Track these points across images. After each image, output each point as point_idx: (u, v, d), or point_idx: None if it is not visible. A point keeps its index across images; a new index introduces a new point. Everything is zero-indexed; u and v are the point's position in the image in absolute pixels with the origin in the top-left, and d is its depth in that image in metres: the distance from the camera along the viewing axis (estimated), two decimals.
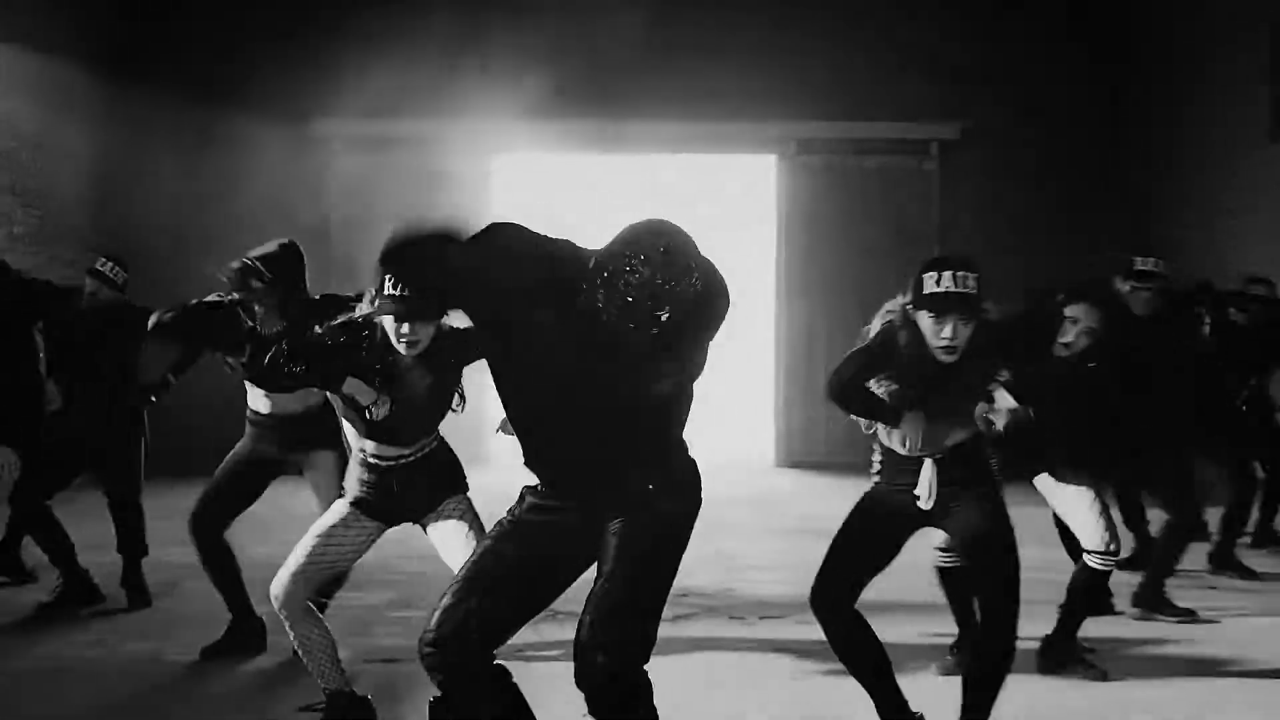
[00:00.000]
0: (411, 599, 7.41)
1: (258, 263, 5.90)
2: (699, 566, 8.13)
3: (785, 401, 14.58)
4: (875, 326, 5.11)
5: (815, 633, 5.04)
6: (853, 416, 5.19)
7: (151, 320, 6.15)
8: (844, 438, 13.55)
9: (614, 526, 3.79)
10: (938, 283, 4.83)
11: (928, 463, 4.97)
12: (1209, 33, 13.12)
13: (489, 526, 3.99)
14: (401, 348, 4.94)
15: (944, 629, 6.40)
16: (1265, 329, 8.78)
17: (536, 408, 3.82)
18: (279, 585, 4.96)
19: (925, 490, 4.97)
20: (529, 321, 3.65)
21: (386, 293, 4.84)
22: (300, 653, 5.08)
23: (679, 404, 3.83)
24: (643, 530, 3.77)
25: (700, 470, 3.88)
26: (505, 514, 3.94)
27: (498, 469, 9.87)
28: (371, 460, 5.10)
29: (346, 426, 5.20)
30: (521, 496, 3.93)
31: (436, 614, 3.78)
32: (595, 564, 3.86)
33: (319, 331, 5.12)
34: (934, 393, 4.91)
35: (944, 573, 6.10)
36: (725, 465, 13.77)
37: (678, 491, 3.86)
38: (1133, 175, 14.50)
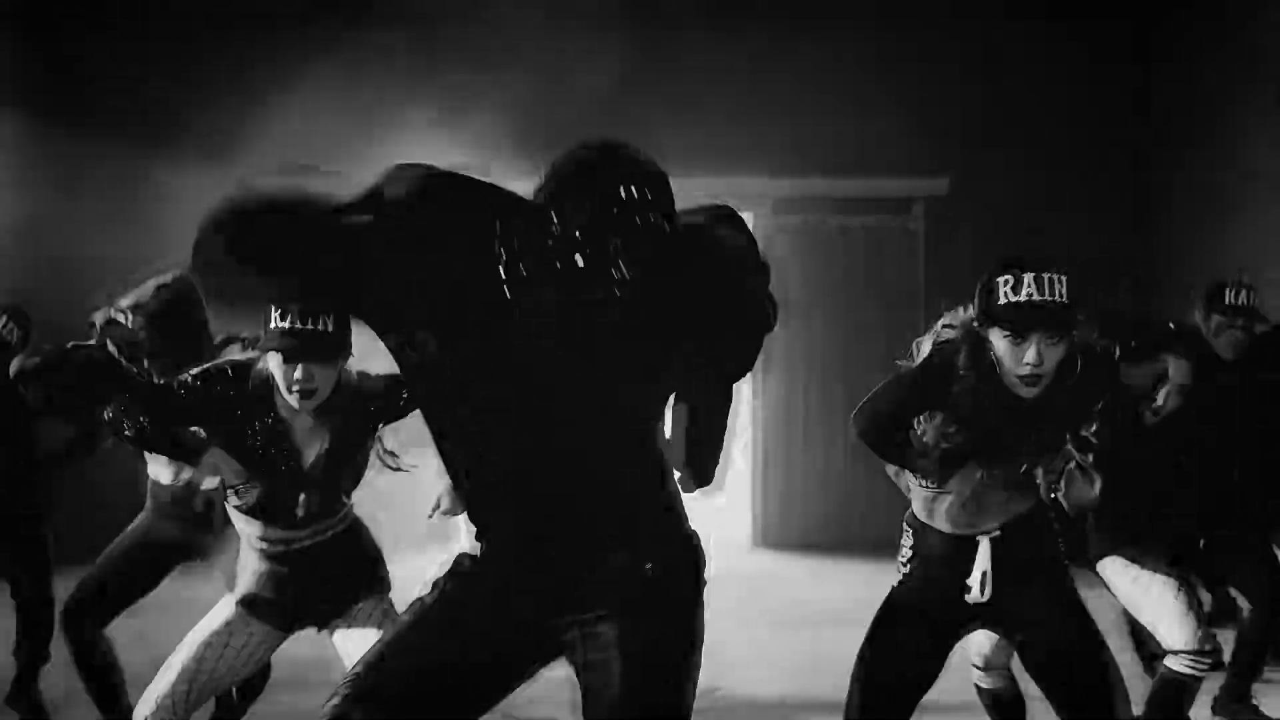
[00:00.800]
0: None
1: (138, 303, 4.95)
2: None
3: (762, 480, 13.79)
4: (925, 348, 4.12)
5: None
6: (888, 469, 4.26)
7: (14, 366, 5.17)
8: (822, 518, 12.93)
9: (600, 632, 2.84)
10: (1017, 289, 3.82)
11: (984, 541, 3.97)
12: (1205, 84, 12.65)
13: None
14: (293, 400, 3.98)
15: None
16: None
17: (478, 433, 2.83)
18: (145, 706, 3.96)
19: (979, 580, 3.98)
20: (458, 314, 2.69)
21: (273, 325, 3.89)
22: None
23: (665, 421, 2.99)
24: (644, 642, 2.83)
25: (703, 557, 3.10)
26: (428, 589, 2.97)
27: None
28: (259, 546, 4.13)
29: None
30: (455, 565, 2.95)
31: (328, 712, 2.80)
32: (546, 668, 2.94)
33: (178, 380, 4.13)
34: (1005, 440, 3.92)
35: (988, 694, 5.09)
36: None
37: (680, 570, 3.00)
38: (1141, 230, 13.99)
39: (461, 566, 2.92)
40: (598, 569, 2.83)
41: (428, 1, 13.75)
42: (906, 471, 4.25)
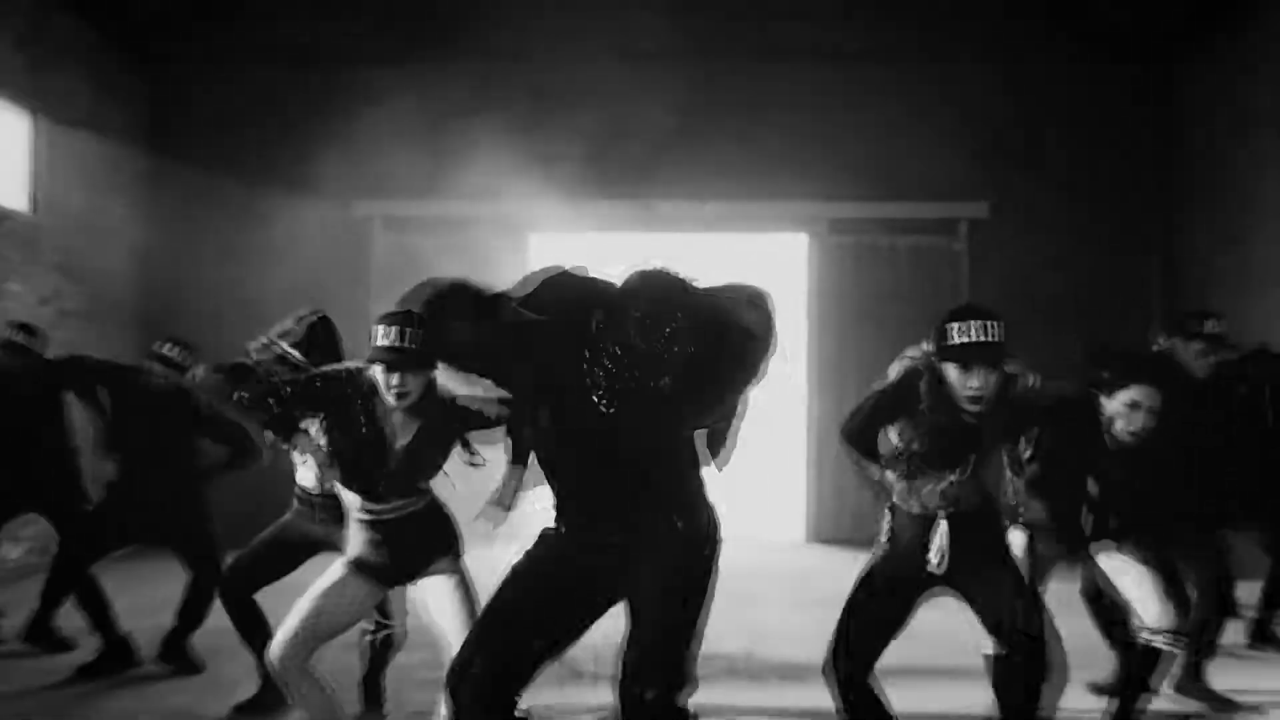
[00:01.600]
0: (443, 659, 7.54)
1: (287, 347, 6.02)
2: (727, 633, 8.26)
3: (816, 479, 14.60)
4: (894, 372, 5.16)
5: (822, 695, 5.19)
6: (869, 473, 5.28)
7: (198, 375, 6.26)
8: (871, 514, 13.67)
9: (643, 570, 3.94)
10: (962, 332, 4.89)
11: (942, 523, 5.00)
12: (1226, 117, 13.24)
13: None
14: (390, 398, 4.96)
15: (959, 698, 6.47)
16: None
17: (570, 453, 4.00)
18: (276, 648, 5.04)
19: (936, 554, 5.00)
20: (562, 402, 3.87)
21: (379, 342, 4.90)
22: (301, 712, 5.19)
23: (694, 448, 4.10)
24: (672, 574, 3.94)
25: (718, 520, 4.11)
26: (521, 556, 4.10)
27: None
28: (360, 517, 5.15)
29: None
30: (540, 538, 4.08)
31: (455, 659, 3.94)
32: (612, 606, 4.03)
33: (312, 374, 5.18)
34: (955, 445, 4.96)
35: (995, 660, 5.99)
36: (757, 541, 13.89)
37: (699, 534, 4.06)
38: (1172, 250, 14.54)
39: (545, 538, 4.09)
40: (643, 531, 3.96)
41: (504, 41, 14.63)
42: (897, 468, 5.28)
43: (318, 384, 5.17)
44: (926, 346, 5.11)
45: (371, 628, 6.24)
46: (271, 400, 5.09)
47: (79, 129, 12.91)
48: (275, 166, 14.69)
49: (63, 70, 12.67)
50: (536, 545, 4.13)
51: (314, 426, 5.17)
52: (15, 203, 11.98)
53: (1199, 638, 6.97)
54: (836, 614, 5.15)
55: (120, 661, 7.62)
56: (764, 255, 15.84)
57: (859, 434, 5.19)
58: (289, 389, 5.12)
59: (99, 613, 7.66)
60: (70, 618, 7.90)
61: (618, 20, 14.26)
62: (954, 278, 14.67)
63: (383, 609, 6.16)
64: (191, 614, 7.67)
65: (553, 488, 4.14)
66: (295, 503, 6.60)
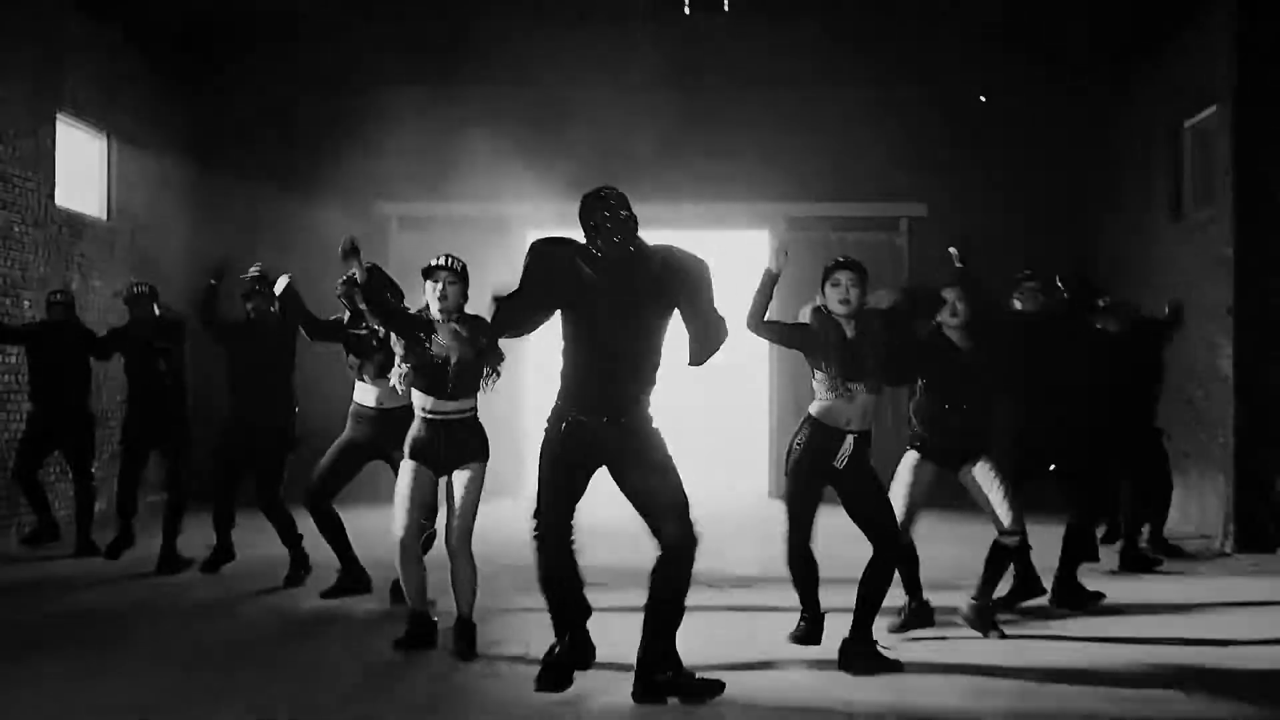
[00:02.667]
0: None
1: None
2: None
3: (779, 441, 16.65)
4: (803, 315, 7.16)
5: (769, 598, 7.38)
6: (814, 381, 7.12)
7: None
8: None
9: (628, 446, 6.10)
10: (831, 267, 7.09)
11: (849, 438, 7.00)
12: (1129, 136, 15.55)
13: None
14: (435, 304, 7.21)
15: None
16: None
17: (580, 348, 6.16)
18: (398, 533, 7.17)
19: (844, 458, 6.98)
20: (572, 298, 6.08)
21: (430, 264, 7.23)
22: (401, 581, 7.39)
23: (659, 352, 6.19)
24: (650, 448, 6.13)
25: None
26: (547, 433, 6.22)
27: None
28: (427, 417, 7.22)
29: (414, 393, 7.27)
30: (559, 419, 6.19)
31: (532, 518, 6.21)
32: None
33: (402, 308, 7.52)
34: (845, 356, 6.96)
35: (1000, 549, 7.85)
36: (726, 495, 16.10)
37: (646, 419, 6.20)
38: (1073, 246, 16.55)
39: (555, 426, 6.16)
40: (627, 414, 6.09)
41: (507, 68, 16.78)
42: (816, 388, 7.10)
43: (409, 312, 7.41)
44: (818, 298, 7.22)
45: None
46: (385, 310, 7.35)
47: (142, 148, 15.12)
48: (305, 174, 16.81)
49: (130, 98, 14.87)
50: (553, 431, 6.19)
51: (399, 346, 7.23)
52: (96, 211, 14.21)
53: (1071, 548, 8.99)
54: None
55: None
56: (732, 250, 17.98)
57: (755, 324, 7.13)
58: (396, 308, 7.45)
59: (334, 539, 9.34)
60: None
61: (607, 51, 16.46)
62: (895, 268, 16.68)
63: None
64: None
65: (572, 374, 6.17)
66: (352, 420, 8.77)
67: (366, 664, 7.03)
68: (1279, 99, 11.74)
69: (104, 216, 14.40)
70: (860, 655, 6.89)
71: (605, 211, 6.09)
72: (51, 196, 13.04)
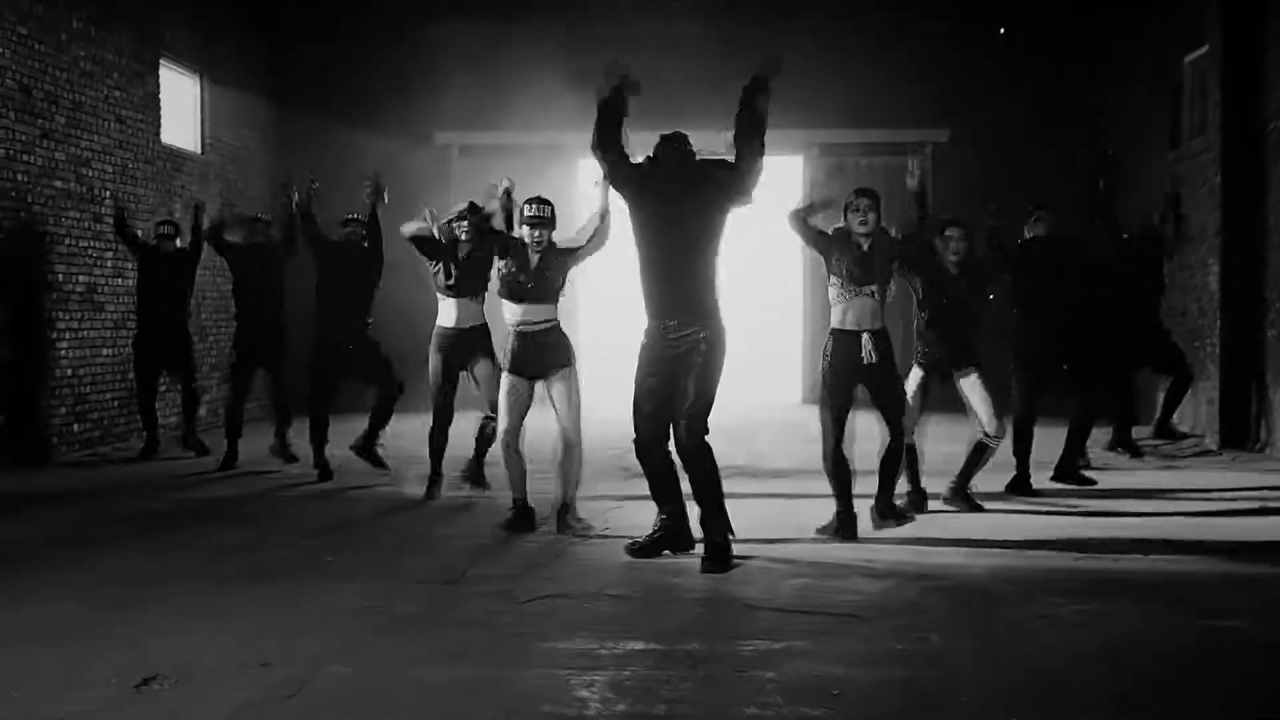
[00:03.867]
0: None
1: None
2: (735, 454, 11.93)
3: (811, 350, 17.90)
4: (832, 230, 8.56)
5: (804, 486, 8.84)
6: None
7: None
8: None
9: (686, 356, 7.40)
10: (853, 195, 8.51)
11: (865, 336, 8.32)
12: (1133, 64, 16.74)
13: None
14: (533, 246, 8.61)
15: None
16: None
17: (646, 264, 7.52)
18: (503, 435, 8.63)
19: (867, 353, 8.30)
20: (640, 192, 7.62)
21: (527, 213, 8.62)
22: (507, 471, 8.75)
23: (714, 265, 7.46)
24: (699, 358, 7.38)
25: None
26: (640, 352, 7.56)
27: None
28: (519, 329, 8.55)
29: (503, 306, 8.66)
30: (644, 337, 7.55)
31: (633, 428, 7.60)
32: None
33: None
34: (862, 265, 8.30)
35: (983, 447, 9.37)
36: (762, 402, 17.56)
37: (714, 336, 7.43)
38: (1087, 170, 17.69)
39: (645, 339, 7.50)
40: (693, 330, 7.37)
41: (559, 4, 18.11)
42: (832, 295, 8.48)
43: (503, 235, 8.86)
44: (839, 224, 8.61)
45: (486, 415, 9.90)
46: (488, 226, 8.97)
47: (228, 86, 16.54)
48: (372, 107, 18.18)
49: (218, 40, 16.28)
50: (643, 344, 7.52)
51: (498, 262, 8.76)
52: (192, 146, 15.69)
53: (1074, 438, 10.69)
54: (818, 447, 8.52)
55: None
56: (767, 174, 19.16)
57: (795, 220, 8.61)
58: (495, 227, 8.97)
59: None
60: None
61: None
62: (923, 186, 17.83)
63: (493, 406, 9.59)
64: (382, 417, 11.14)
65: (647, 304, 7.51)
66: (437, 340, 9.97)
67: (479, 542, 8.42)
68: (1261, 45, 12.93)
69: (199, 150, 15.85)
70: (879, 510, 8.52)
71: (672, 144, 7.74)
72: (158, 135, 14.49)
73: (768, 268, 18.98)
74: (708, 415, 7.48)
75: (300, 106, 18.21)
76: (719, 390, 7.54)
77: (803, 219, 8.59)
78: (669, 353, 7.48)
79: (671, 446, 7.60)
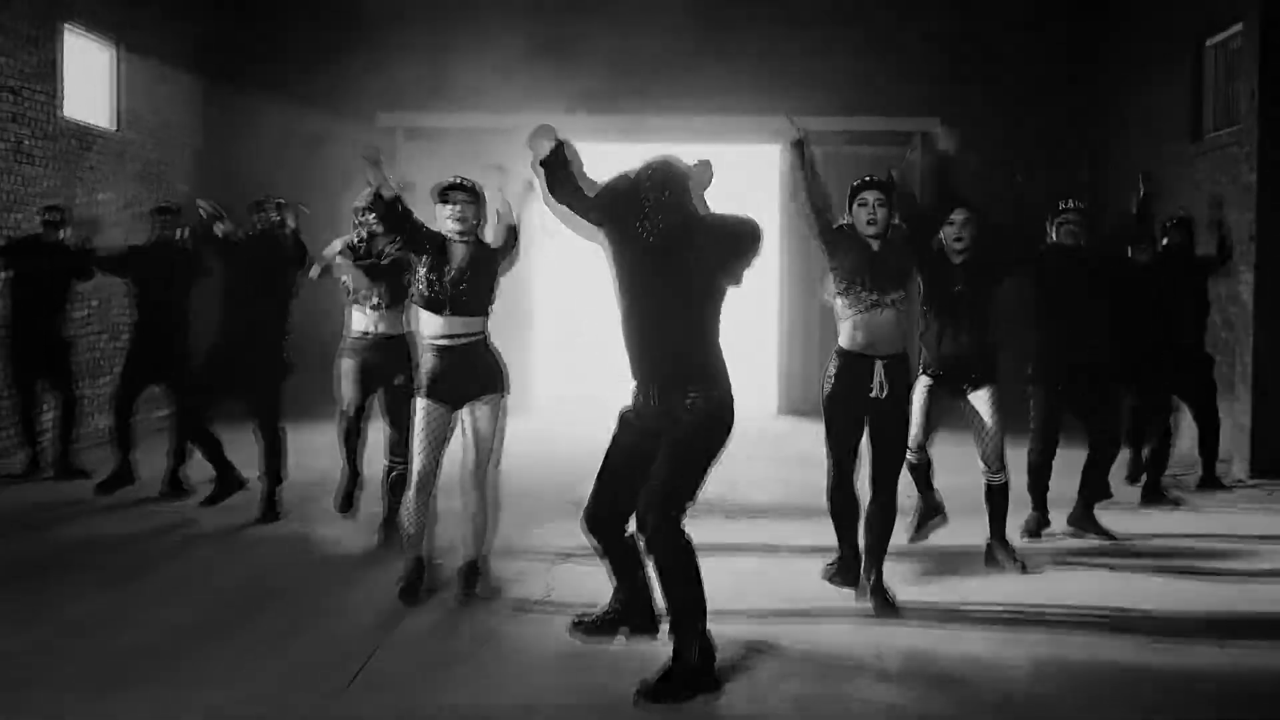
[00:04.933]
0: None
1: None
2: (708, 485, 10.43)
3: (787, 357, 16.76)
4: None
5: (787, 530, 7.34)
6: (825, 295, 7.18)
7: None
8: None
9: (674, 430, 5.62)
10: (858, 186, 7.03)
11: (879, 363, 6.86)
12: (1147, 52, 15.25)
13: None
14: (451, 224, 7.05)
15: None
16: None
17: (627, 319, 5.75)
18: (414, 469, 7.01)
19: (878, 384, 6.84)
20: (622, 243, 5.77)
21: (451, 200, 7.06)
22: (406, 523, 7.13)
23: (714, 322, 5.69)
24: (679, 433, 5.63)
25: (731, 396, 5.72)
26: (615, 426, 5.91)
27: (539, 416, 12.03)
28: (436, 344, 6.99)
29: (419, 317, 7.12)
30: (621, 415, 5.92)
31: (589, 497, 5.97)
32: None
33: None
34: (871, 268, 6.84)
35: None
36: (737, 412, 16.09)
37: (710, 406, 5.64)
38: (1086, 161, 16.72)
39: (623, 414, 5.90)
40: (679, 396, 5.62)
41: None
42: (836, 308, 7.02)
43: (422, 230, 7.11)
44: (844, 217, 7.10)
45: (389, 464, 8.36)
46: (405, 225, 7.08)
47: (149, 56, 14.87)
48: (310, 83, 16.62)
49: (137, 6, 14.60)
50: (620, 420, 5.90)
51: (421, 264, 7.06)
52: (105, 122, 14.02)
53: (1088, 479, 9.01)
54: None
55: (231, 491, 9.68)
56: (742, 164, 17.82)
57: (801, 198, 7.19)
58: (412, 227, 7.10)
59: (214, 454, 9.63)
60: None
61: None
62: (907, 184, 16.52)
63: (397, 450, 8.24)
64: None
65: (629, 357, 5.79)
66: (350, 345, 8.53)
67: (377, 607, 6.95)
68: None
69: (113, 127, 14.20)
70: (871, 587, 6.97)
71: (644, 198, 5.76)
72: (59, 108, 12.84)
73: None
74: (672, 505, 5.62)
75: (232, 81, 16.58)
76: (702, 479, 5.76)
77: (805, 188, 7.21)
78: (650, 424, 5.82)
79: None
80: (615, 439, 5.93)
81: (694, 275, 5.69)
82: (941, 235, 7.88)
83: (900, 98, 16.76)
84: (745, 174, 17.69)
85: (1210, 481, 10.96)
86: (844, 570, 7.25)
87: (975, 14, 16.81)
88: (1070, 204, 9.21)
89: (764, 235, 5.86)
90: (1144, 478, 10.57)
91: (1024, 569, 7.84)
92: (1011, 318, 9.32)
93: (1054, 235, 9.11)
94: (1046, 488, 8.91)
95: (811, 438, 7.27)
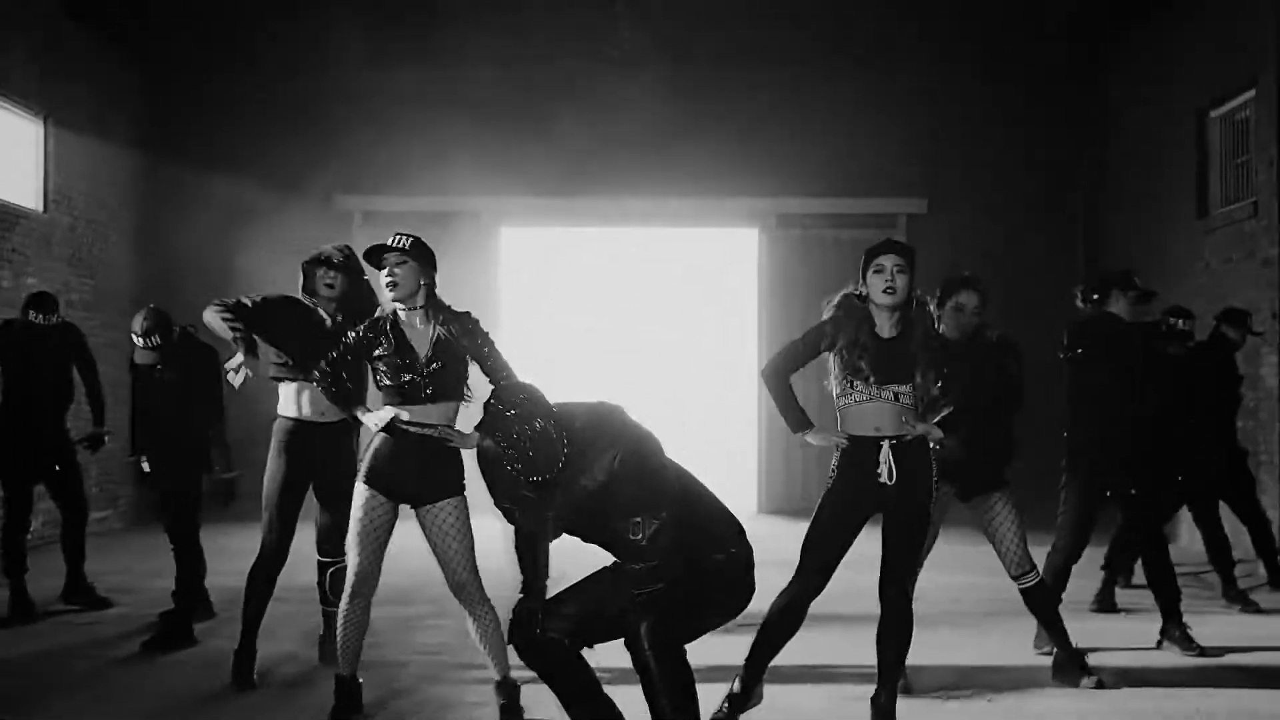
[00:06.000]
0: (446, 610, 8.62)
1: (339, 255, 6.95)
2: None
3: (767, 454, 15.83)
4: (825, 314, 6.08)
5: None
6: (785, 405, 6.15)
7: (232, 302, 6.78)
8: (815, 488, 14.85)
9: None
10: (873, 250, 5.93)
11: (885, 445, 5.82)
12: (1145, 126, 14.53)
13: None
14: (388, 292, 6.04)
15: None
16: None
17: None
18: (352, 566, 5.99)
19: (886, 469, 5.81)
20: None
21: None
22: (340, 633, 6.08)
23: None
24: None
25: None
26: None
27: None
28: (399, 424, 5.99)
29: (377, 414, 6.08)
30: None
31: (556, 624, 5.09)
32: None
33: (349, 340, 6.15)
34: (880, 358, 5.82)
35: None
36: None
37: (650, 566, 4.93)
38: (1079, 245, 16.07)
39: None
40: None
41: (479, 46, 15.52)
42: (835, 390, 5.95)
43: (355, 337, 6.11)
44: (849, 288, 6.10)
45: (327, 560, 7.14)
46: (338, 366, 6.07)
47: (84, 133, 13.94)
48: (263, 164, 15.77)
49: (70, 78, 13.69)
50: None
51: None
52: (30, 202, 13.01)
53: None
54: (780, 574, 6.06)
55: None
56: (718, 248, 17.06)
57: (772, 379, 6.09)
58: (341, 353, 6.09)
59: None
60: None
61: (587, 28, 15.37)
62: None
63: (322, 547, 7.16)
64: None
65: None
66: (284, 433, 7.06)
67: None
68: None
69: (39, 207, 13.18)
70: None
71: (508, 450, 5.00)
72: None
73: (716, 357, 16.82)
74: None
75: (175, 160, 15.66)
76: None
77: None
78: None
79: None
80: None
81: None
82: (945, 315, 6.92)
83: (881, 180, 16.12)
84: (723, 257, 16.99)
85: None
86: (732, 703, 6.06)
87: (958, 98, 16.26)
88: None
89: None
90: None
91: (1100, 684, 6.85)
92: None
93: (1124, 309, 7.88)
94: (1063, 588, 7.67)
95: (794, 537, 6.14)
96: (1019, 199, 16.08)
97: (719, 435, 16.79)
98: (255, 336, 6.76)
